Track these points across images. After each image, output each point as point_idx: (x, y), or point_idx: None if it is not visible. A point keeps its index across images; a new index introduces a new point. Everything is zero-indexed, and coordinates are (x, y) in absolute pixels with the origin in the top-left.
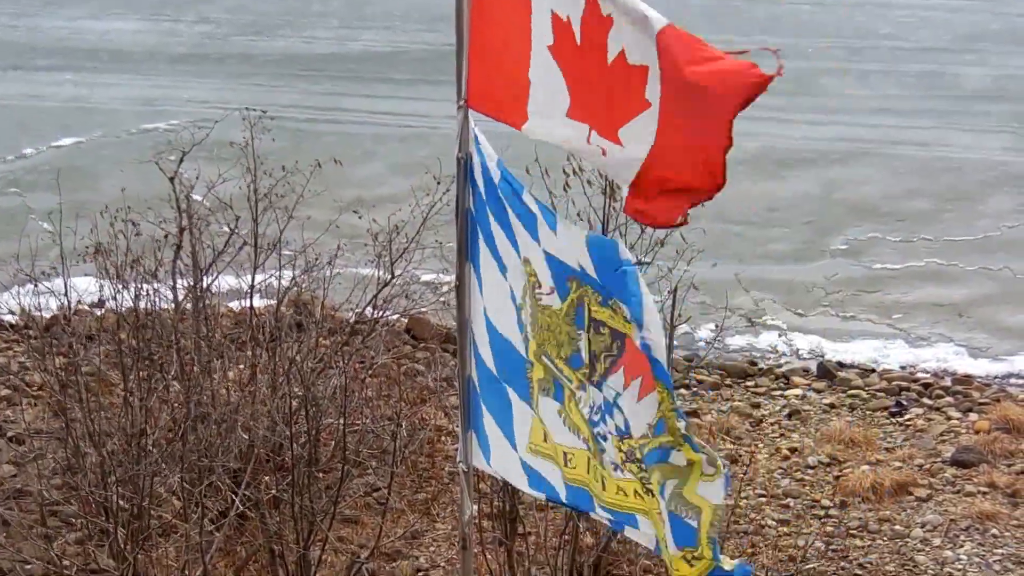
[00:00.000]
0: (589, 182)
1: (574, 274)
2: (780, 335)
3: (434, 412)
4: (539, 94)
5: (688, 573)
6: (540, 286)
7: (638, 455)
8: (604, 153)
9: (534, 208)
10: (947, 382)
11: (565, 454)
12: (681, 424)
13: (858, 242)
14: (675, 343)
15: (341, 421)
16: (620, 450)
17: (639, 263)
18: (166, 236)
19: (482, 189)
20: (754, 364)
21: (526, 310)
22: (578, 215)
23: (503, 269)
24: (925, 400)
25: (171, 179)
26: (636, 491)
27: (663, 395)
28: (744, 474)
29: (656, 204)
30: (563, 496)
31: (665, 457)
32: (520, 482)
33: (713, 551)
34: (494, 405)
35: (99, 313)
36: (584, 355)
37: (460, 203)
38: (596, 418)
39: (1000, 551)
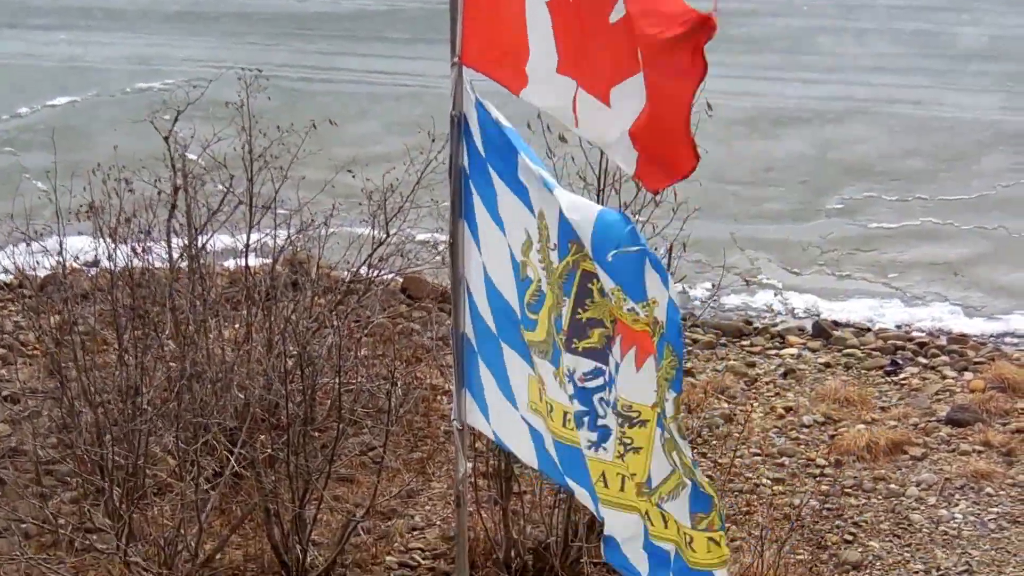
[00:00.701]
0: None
1: (575, 238)
2: (775, 294)
3: (429, 371)
4: (536, 55)
5: (709, 560)
6: (549, 239)
7: (631, 433)
8: (576, 123)
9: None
10: (942, 341)
11: (565, 412)
12: (670, 396)
13: (853, 201)
14: None
15: (337, 380)
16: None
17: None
18: (159, 193)
19: (480, 146)
20: (749, 323)
21: (532, 267)
22: (577, 173)
23: (501, 227)
24: (920, 359)
25: (166, 138)
26: (604, 475)
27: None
28: (739, 433)
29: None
30: (561, 470)
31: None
32: (523, 450)
33: (721, 521)
34: (492, 363)
35: (94, 272)
36: (564, 321)
37: (453, 161)
38: (594, 383)
39: (995, 510)
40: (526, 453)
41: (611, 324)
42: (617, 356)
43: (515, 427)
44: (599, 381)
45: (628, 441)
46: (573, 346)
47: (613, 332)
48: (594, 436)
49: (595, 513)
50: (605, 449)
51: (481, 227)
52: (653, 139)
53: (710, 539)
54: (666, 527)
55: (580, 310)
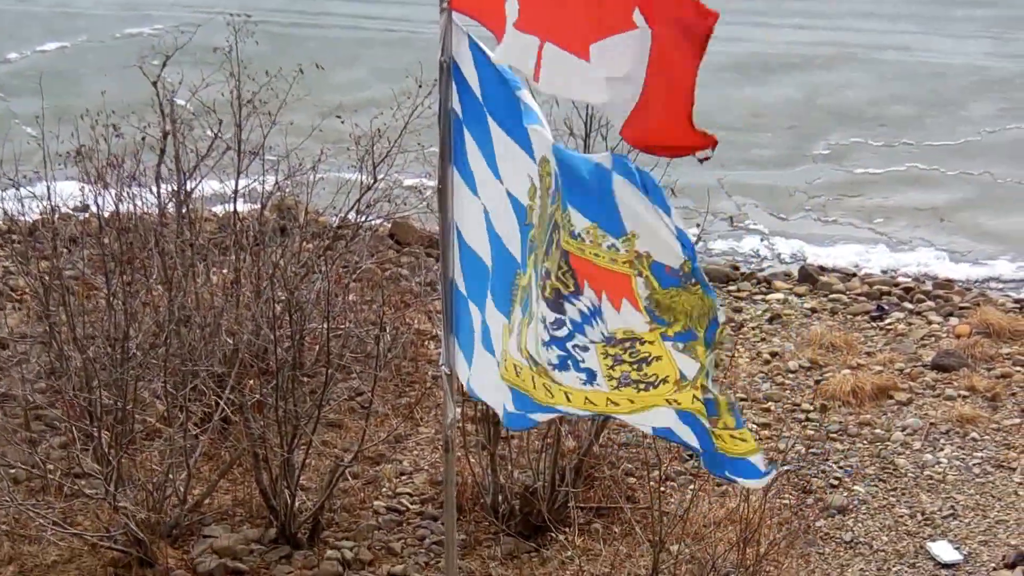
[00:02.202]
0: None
1: (556, 187)
2: (762, 239)
3: (417, 316)
4: (508, 6)
5: (738, 449)
6: (551, 187)
7: (636, 355)
8: (537, 78)
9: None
10: (928, 286)
11: (515, 366)
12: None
13: (840, 147)
14: None
15: (325, 325)
16: (607, 355)
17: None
18: (143, 139)
19: (478, 92)
20: (736, 268)
21: (535, 211)
22: (564, 121)
23: (497, 173)
24: (906, 304)
25: (154, 83)
26: (610, 400)
27: (650, 288)
28: (725, 378)
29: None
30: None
31: (693, 336)
32: (495, 398)
33: (736, 418)
34: (480, 306)
35: (82, 217)
36: (541, 268)
37: (443, 107)
38: (560, 333)
39: (980, 454)
40: (497, 400)
41: (561, 276)
42: (593, 300)
43: (490, 375)
44: (564, 331)
45: (645, 356)
46: (544, 293)
47: (573, 282)
48: (583, 376)
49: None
50: (599, 384)
51: (477, 172)
52: (654, 108)
53: (732, 436)
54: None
55: (546, 257)
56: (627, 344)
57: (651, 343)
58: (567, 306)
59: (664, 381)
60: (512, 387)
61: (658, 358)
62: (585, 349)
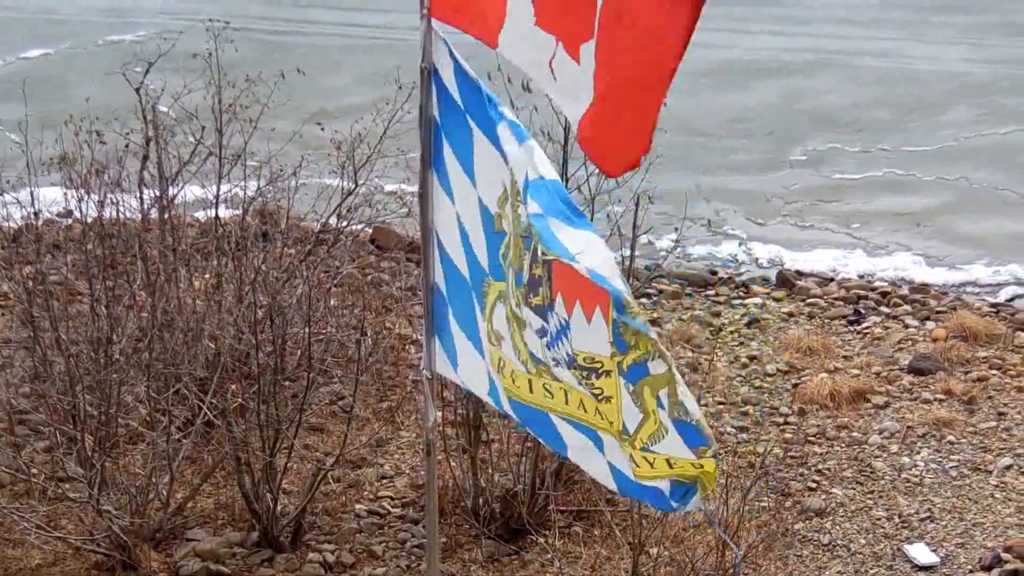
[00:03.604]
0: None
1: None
2: (740, 244)
3: (398, 321)
4: (512, 8)
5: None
6: (520, 194)
7: (599, 379)
8: (555, 77)
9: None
10: (905, 291)
11: (513, 372)
12: (645, 331)
13: (818, 152)
14: (636, 252)
15: (306, 330)
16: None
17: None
18: (127, 146)
19: (458, 98)
20: (714, 273)
21: (506, 219)
22: (540, 129)
23: (472, 179)
24: (883, 309)
25: (137, 90)
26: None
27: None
28: (703, 382)
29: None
30: (507, 408)
31: (645, 372)
32: (484, 391)
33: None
34: (464, 311)
35: (66, 223)
36: (525, 275)
37: (423, 112)
38: (546, 340)
39: (956, 457)
40: (490, 400)
41: (548, 283)
42: (563, 313)
43: (480, 375)
44: (544, 340)
45: (598, 392)
46: (529, 301)
47: (548, 293)
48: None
49: (561, 455)
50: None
51: (452, 178)
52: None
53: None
54: (652, 467)
55: (535, 265)
56: (586, 372)
57: (608, 375)
58: (549, 316)
59: (610, 423)
60: (511, 398)
61: (609, 399)
62: (563, 362)
